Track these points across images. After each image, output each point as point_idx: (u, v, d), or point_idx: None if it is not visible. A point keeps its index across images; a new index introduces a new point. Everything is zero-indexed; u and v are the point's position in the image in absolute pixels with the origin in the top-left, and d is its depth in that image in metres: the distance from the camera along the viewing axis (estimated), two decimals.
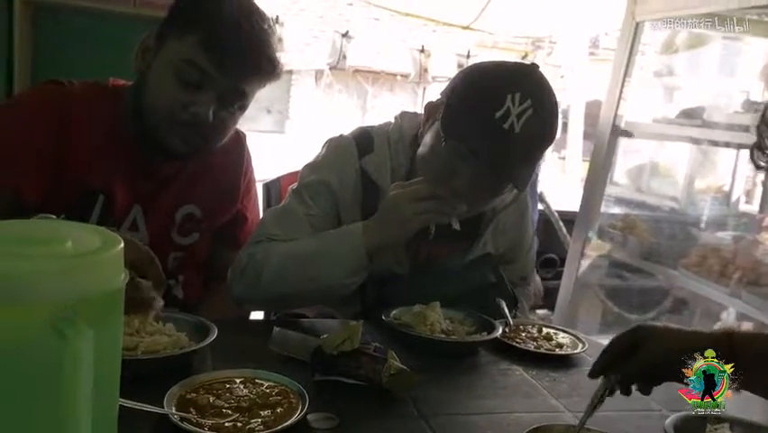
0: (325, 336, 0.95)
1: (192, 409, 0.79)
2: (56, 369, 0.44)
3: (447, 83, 1.20)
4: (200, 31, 1.12)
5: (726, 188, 3.62)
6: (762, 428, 0.87)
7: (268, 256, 1.17)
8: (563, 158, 10.81)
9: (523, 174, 1.15)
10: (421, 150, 1.21)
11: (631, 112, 2.72)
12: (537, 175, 2.56)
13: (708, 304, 2.47)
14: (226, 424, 0.77)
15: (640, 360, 0.87)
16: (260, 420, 0.78)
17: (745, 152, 3.58)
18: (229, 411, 0.79)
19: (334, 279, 1.15)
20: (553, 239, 3.26)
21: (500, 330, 1.17)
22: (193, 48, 1.12)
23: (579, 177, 8.56)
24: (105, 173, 1.19)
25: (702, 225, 3.09)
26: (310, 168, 1.30)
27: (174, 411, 0.77)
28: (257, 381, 0.88)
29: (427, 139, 1.19)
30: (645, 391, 0.90)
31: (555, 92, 1.13)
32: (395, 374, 0.90)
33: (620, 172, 3.35)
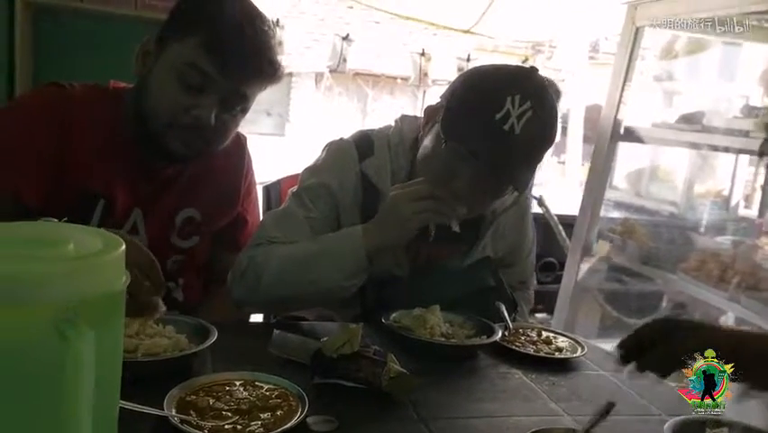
0: (325, 338, 0.95)
1: (192, 412, 0.79)
2: (57, 370, 0.45)
3: (447, 86, 1.20)
4: (202, 33, 1.12)
5: (726, 193, 3.63)
6: None
7: (268, 259, 1.17)
8: (563, 162, 10.84)
9: (523, 176, 1.15)
10: (421, 152, 1.21)
11: (631, 116, 2.72)
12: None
13: (707, 309, 2.46)
14: (226, 426, 0.77)
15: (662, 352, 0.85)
16: (259, 423, 0.78)
17: (745, 157, 3.60)
18: (229, 414, 0.79)
19: (334, 281, 1.15)
20: (552, 243, 3.26)
21: (500, 334, 1.17)
22: (195, 50, 1.12)
23: (578, 181, 8.58)
24: (105, 176, 1.19)
25: (701, 230, 3.10)
26: (310, 171, 1.30)
27: (174, 413, 0.77)
28: (257, 383, 0.88)
29: (427, 142, 1.19)
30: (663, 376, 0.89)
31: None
32: (394, 377, 0.90)
33: (620, 177, 3.36)
